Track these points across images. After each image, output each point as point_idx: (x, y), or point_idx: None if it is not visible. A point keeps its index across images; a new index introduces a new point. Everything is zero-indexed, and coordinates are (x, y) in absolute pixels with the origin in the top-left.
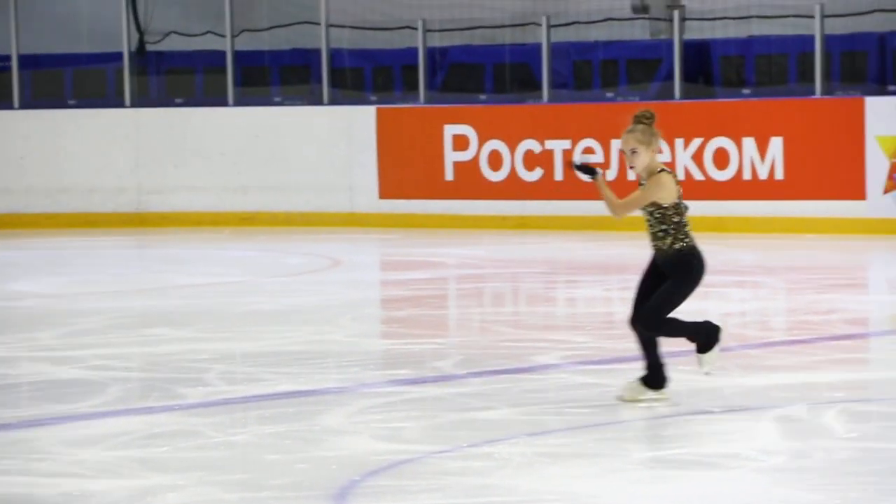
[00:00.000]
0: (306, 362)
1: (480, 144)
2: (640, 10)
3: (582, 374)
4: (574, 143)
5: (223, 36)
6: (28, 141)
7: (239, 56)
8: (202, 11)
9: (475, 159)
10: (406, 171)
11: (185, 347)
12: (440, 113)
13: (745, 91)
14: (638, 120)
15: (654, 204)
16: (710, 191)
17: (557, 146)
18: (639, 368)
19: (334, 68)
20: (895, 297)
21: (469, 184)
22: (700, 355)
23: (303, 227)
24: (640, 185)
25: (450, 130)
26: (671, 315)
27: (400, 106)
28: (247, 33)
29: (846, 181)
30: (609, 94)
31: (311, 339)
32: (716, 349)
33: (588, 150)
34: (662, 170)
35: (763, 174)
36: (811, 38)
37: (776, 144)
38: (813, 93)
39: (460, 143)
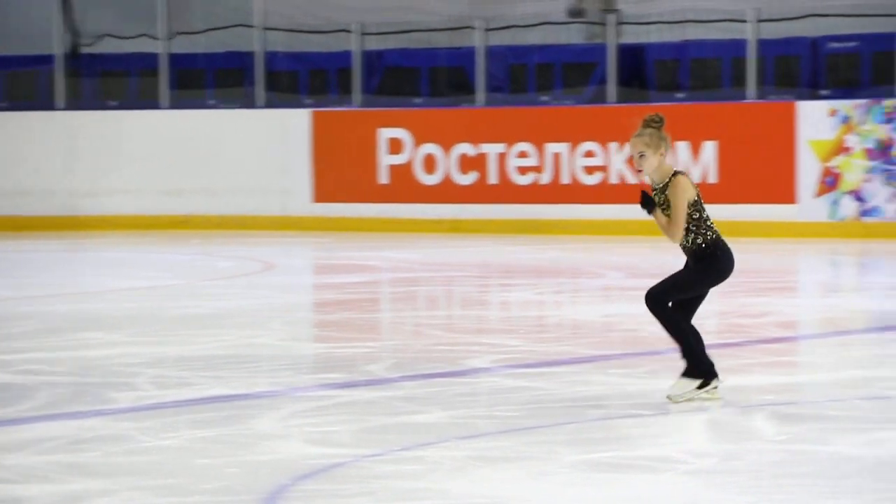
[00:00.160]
0: (238, 366)
1: (415, 148)
2: (576, 14)
3: (514, 377)
4: (509, 147)
5: (158, 39)
6: None
7: (173, 59)
8: (136, 14)
9: (410, 163)
10: (340, 174)
11: (116, 352)
12: (375, 116)
13: (679, 95)
14: (646, 124)
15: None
16: None
17: (492, 150)
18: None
19: (269, 71)
20: (826, 301)
21: (404, 187)
22: (681, 380)
23: (236, 230)
24: (654, 190)
25: (384, 134)
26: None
27: (335, 109)
28: (182, 36)
29: (778, 185)
30: (544, 98)
31: (243, 342)
32: (695, 386)
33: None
34: (677, 172)
35: (696, 178)
36: (745, 43)
37: (710, 148)
38: (746, 97)
39: (395, 146)
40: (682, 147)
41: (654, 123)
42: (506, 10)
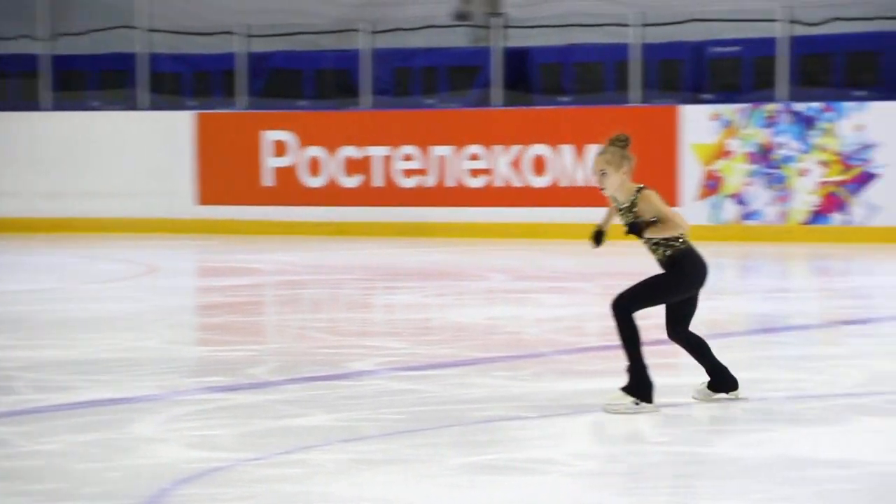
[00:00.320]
0: (119, 370)
1: (300, 150)
2: (461, 17)
3: (398, 380)
4: (394, 150)
5: (38, 40)
6: None
7: (56, 60)
8: (16, 15)
9: (295, 165)
10: (225, 176)
11: None
12: (260, 118)
13: (564, 99)
14: (611, 142)
15: (638, 219)
16: (529, 197)
17: (377, 152)
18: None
19: (153, 73)
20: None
21: (288, 190)
22: (620, 391)
23: (120, 232)
24: (619, 210)
25: (269, 136)
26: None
27: (219, 111)
28: (64, 37)
29: (661, 188)
30: (429, 101)
31: (126, 346)
32: (631, 401)
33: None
34: (642, 188)
35: (580, 181)
36: (629, 47)
37: (594, 152)
38: (630, 101)
39: (280, 148)
40: (567, 150)
41: (619, 142)
42: (391, 14)
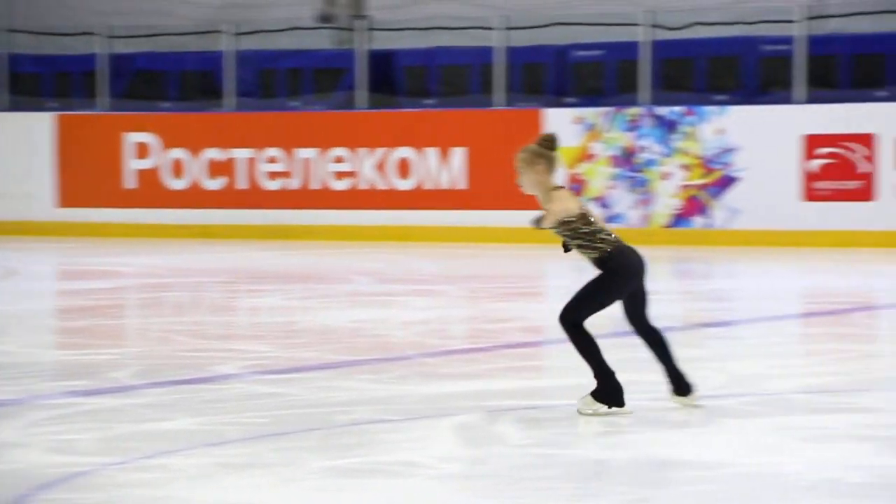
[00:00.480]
0: None
1: (163, 152)
2: (326, 19)
3: (262, 383)
4: (258, 152)
5: None
6: None
7: None
8: None
9: (157, 167)
10: (86, 179)
11: None
12: (121, 120)
13: (428, 101)
14: (536, 142)
15: (562, 223)
16: (393, 200)
17: (241, 155)
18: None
19: (13, 73)
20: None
21: (151, 192)
22: (590, 396)
23: None
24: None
25: (131, 138)
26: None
27: (80, 113)
28: None
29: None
30: (294, 103)
31: None
32: (602, 406)
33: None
34: (557, 187)
35: (445, 184)
36: (493, 50)
37: (459, 154)
38: (494, 104)
39: (142, 150)
40: (431, 153)
41: (542, 142)
42: (255, 15)
